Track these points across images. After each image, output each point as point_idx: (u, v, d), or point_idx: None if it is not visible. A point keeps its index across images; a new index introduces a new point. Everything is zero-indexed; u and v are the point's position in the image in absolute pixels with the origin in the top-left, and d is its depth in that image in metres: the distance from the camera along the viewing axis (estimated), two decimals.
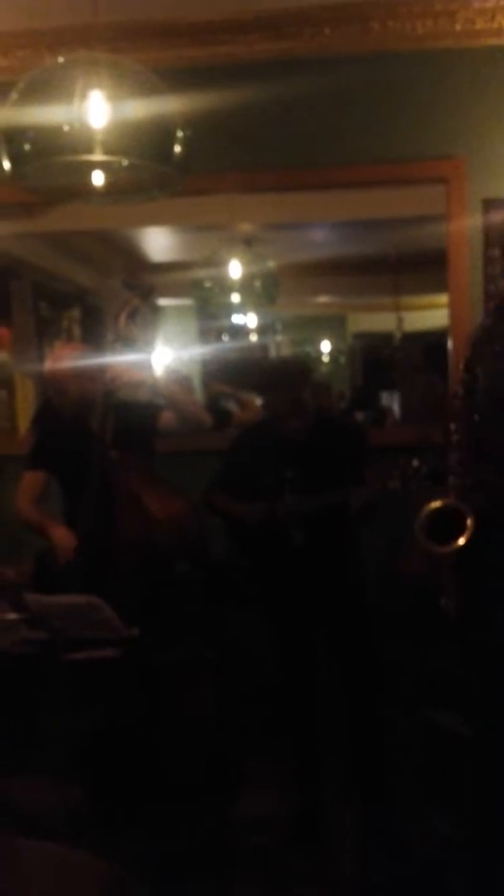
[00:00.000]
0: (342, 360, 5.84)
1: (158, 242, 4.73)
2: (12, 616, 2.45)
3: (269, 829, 2.83)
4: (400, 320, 4.80)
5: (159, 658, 2.62)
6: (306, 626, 2.86)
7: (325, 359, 5.80)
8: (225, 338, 5.16)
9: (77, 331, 4.99)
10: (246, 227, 4.32)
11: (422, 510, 2.12)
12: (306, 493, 2.75)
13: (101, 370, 2.76)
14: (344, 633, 2.83)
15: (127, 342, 2.73)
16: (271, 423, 2.92)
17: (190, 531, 2.78)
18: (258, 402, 3.97)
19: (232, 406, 4.46)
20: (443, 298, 3.36)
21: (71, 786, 2.63)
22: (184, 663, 2.73)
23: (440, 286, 3.39)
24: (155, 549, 2.68)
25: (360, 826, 2.80)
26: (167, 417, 2.85)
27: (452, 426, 2.20)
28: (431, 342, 4.07)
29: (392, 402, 5.11)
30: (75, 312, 4.96)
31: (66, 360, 2.86)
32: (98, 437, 2.74)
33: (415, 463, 2.51)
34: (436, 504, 2.14)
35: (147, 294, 2.76)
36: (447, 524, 2.12)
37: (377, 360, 5.61)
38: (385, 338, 5.13)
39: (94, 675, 2.54)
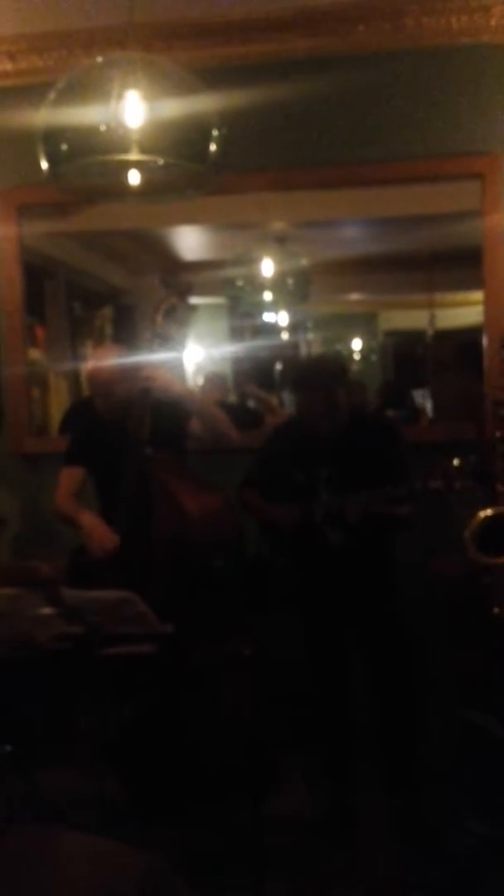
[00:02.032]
0: (373, 358, 5.80)
1: (190, 241, 4.74)
2: (49, 611, 2.47)
3: (302, 828, 2.83)
4: (433, 318, 4.77)
5: (194, 655, 2.63)
6: (340, 625, 2.86)
7: (357, 357, 5.77)
8: (255, 336, 5.16)
9: (109, 330, 5.02)
10: (278, 225, 4.32)
11: (472, 520, 2.08)
12: (342, 492, 2.74)
13: (137, 369, 2.78)
14: (378, 632, 2.82)
15: (164, 340, 2.74)
16: (304, 422, 2.91)
17: (225, 528, 2.79)
18: (286, 402, 3.98)
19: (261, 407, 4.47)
20: (477, 295, 3.33)
21: (106, 779, 2.65)
22: (218, 660, 2.73)
23: (475, 283, 3.37)
24: (190, 546, 2.69)
25: (393, 826, 2.80)
26: (195, 424, 2.86)
27: (498, 434, 2.17)
28: (465, 340, 4.04)
29: (424, 399, 5.08)
30: (108, 311, 4.99)
31: (108, 359, 2.88)
32: (134, 435, 2.76)
33: (456, 462, 2.49)
34: (487, 513, 2.10)
35: (185, 292, 2.77)
36: (497, 534, 2.08)
37: (409, 357, 5.56)
38: (417, 335, 5.09)
39: (130, 671, 2.56)
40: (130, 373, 2.81)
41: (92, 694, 2.74)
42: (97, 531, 2.76)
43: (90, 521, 2.80)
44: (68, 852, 1.58)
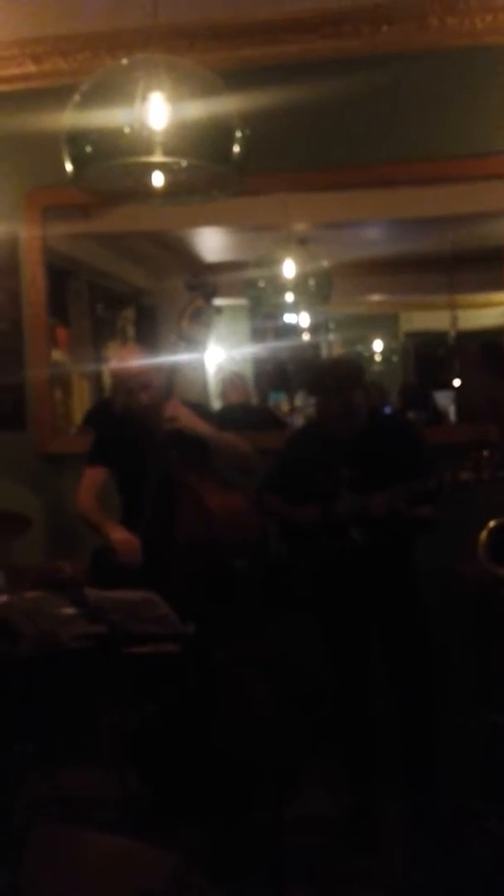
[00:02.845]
0: (394, 359, 5.79)
1: (212, 242, 4.75)
2: (72, 610, 2.49)
3: (323, 829, 2.83)
4: (455, 318, 4.75)
5: (215, 655, 2.64)
6: (362, 626, 2.85)
7: (377, 358, 5.76)
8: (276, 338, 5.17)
9: (131, 331, 5.05)
10: (299, 227, 4.33)
11: (483, 531, 2.08)
12: (363, 492, 2.74)
13: (160, 372, 2.79)
14: (400, 633, 2.82)
15: (189, 342, 2.75)
16: (323, 424, 2.91)
17: (248, 529, 2.79)
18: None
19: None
20: (500, 296, 3.32)
21: (128, 778, 2.67)
22: (239, 661, 2.74)
23: (497, 284, 3.35)
24: (213, 547, 2.69)
25: (414, 827, 2.79)
26: (215, 456, 2.88)
27: None
28: (488, 341, 4.03)
29: (446, 401, 5.06)
30: (130, 313, 5.01)
31: (131, 359, 2.90)
32: (158, 435, 2.77)
33: (485, 453, 2.49)
34: (493, 524, 2.10)
35: (211, 294, 2.78)
36: None
37: (431, 359, 5.55)
38: (439, 336, 5.07)
39: (152, 670, 2.57)
40: (151, 374, 2.82)
41: (114, 693, 2.76)
42: (126, 546, 2.76)
43: (119, 535, 2.79)
44: (93, 852, 1.59)
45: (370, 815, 2.85)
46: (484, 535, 2.14)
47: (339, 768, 2.95)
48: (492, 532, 2.13)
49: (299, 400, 4.74)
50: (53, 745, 2.80)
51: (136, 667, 2.57)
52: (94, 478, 3.00)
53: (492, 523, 2.18)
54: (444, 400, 5.21)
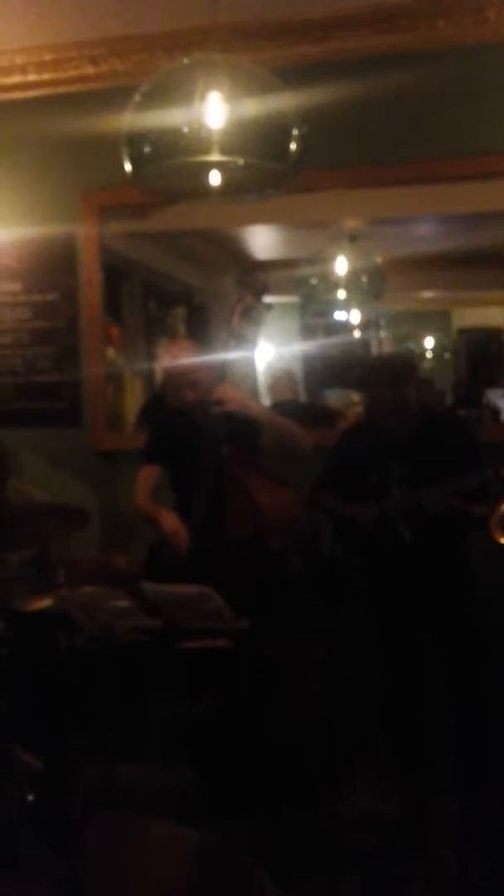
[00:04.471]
0: (446, 356, 5.74)
1: (264, 240, 4.76)
2: (128, 604, 2.53)
3: (375, 827, 2.83)
4: None
5: (269, 651, 2.65)
6: (415, 624, 2.84)
7: (429, 355, 5.71)
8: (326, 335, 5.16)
9: (182, 329, 5.09)
10: (351, 223, 4.32)
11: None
12: (415, 488, 2.73)
13: (209, 370, 2.81)
14: (454, 632, 2.80)
15: (240, 339, 2.77)
16: (375, 420, 2.91)
17: (301, 527, 2.80)
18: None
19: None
20: None
21: (181, 772, 2.69)
22: (293, 658, 2.75)
23: None
24: (265, 544, 2.71)
25: (467, 826, 2.77)
26: (267, 439, 2.88)
27: None
28: None
29: (499, 399, 5.00)
30: (181, 311, 5.05)
31: (183, 355, 2.93)
32: (210, 433, 2.79)
33: None
34: None
35: (261, 292, 2.79)
36: None
37: (483, 356, 5.48)
38: (492, 333, 5.01)
39: (205, 665, 2.59)
40: (204, 371, 2.85)
41: (168, 687, 2.79)
42: (177, 536, 2.80)
43: (171, 523, 2.84)
44: (155, 839, 1.62)
45: (422, 813, 2.84)
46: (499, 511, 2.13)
47: (392, 766, 2.94)
48: None
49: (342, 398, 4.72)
50: (109, 738, 2.85)
51: (190, 661, 2.59)
52: (148, 476, 3.04)
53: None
54: (496, 397, 5.14)
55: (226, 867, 1.53)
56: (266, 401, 4.34)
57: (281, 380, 4.54)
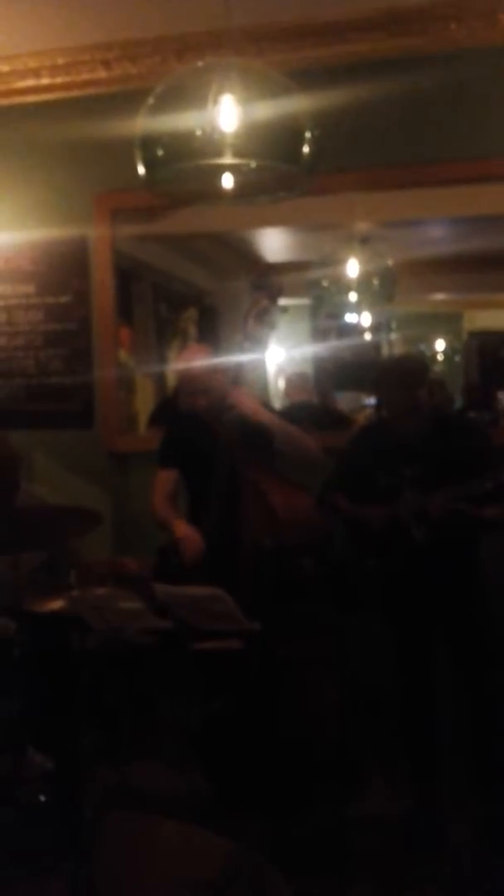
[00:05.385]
0: (457, 358, 5.74)
1: (274, 243, 4.77)
2: (140, 605, 2.53)
3: (387, 828, 2.82)
4: None
5: (282, 652, 2.65)
6: (427, 625, 2.84)
7: (440, 357, 5.72)
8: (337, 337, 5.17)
9: (193, 331, 5.10)
10: (363, 226, 4.32)
11: None
12: (426, 490, 2.73)
13: (221, 374, 2.82)
14: (466, 633, 2.80)
15: (254, 342, 2.77)
16: (386, 422, 2.90)
17: (314, 528, 2.80)
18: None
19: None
20: None
21: (193, 773, 2.70)
22: (306, 659, 2.75)
23: None
24: (279, 545, 2.71)
25: (478, 828, 2.76)
26: (277, 445, 2.89)
27: None
28: None
29: None
30: (192, 313, 5.07)
31: (197, 359, 2.93)
32: (224, 436, 2.79)
33: None
34: None
35: (276, 294, 2.80)
36: None
37: (494, 358, 5.47)
38: (503, 336, 5.01)
39: (218, 666, 2.60)
40: (217, 377, 2.86)
41: (179, 688, 2.79)
42: (189, 543, 2.81)
43: (183, 531, 2.85)
44: (166, 840, 1.63)
45: (432, 815, 2.84)
46: None
47: (404, 766, 2.94)
48: None
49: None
50: (121, 739, 2.85)
51: (202, 662, 2.60)
52: (165, 480, 3.05)
53: None
54: None
55: (238, 867, 1.53)
56: (280, 403, 4.35)
57: (295, 382, 4.55)
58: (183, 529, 2.85)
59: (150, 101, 2.25)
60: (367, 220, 4.09)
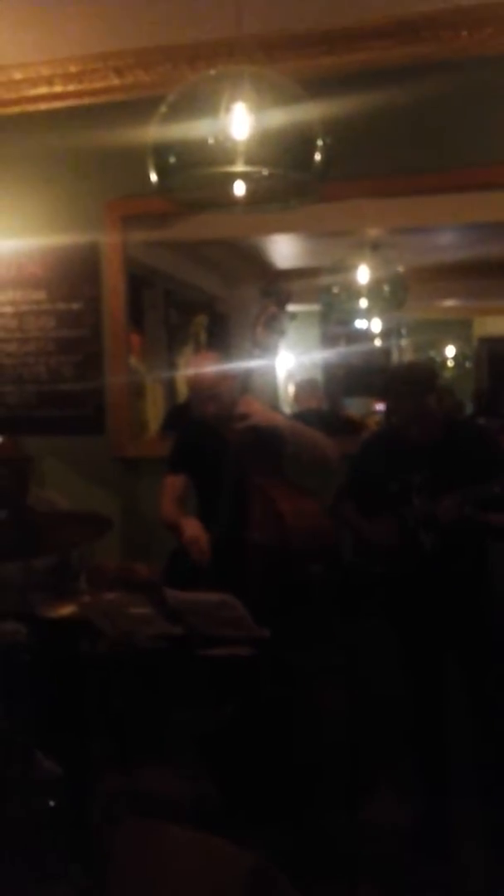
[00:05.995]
0: (467, 364, 5.72)
1: (285, 249, 4.78)
2: (150, 611, 2.54)
3: (395, 835, 2.82)
4: None
5: (291, 659, 2.65)
6: (436, 633, 2.83)
7: (450, 363, 5.71)
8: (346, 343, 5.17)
9: (203, 337, 5.11)
10: (373, 232, 4.33)
11: None
12: (435, 497, 2.72)
13: (231, 381, 2.82)
14: (475, 641, 2.79)
15: (263, 349, 2.78)
16: (396, 429, 2.91)
17: (322, 534, 2.80)
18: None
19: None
20: None
21: (201, 779, 2.70)
22: (314, 666, 2.74)
23: None
24: (287, 552, 2.71)
25: (486, 837, 2.75)
26: (291, 450, 2.88)
27: None
28: None
29: None
30: (202, 319, 5.07)
31: (208, 366, 2.94)
32: (234, 442, 2.80)
33: None
34: None
35: (285, 301, 2.80)
36: None
37: None
38: None
39: (227, 673, 2.60)
40: (226, 384, 2.86)
41: (188, 694, 2.79)
42: (197, 544, 2.81)
43: (192, 532, 2.85)
44: (176, 847, 1.62)
45: (441, 823, 2.83)
46: None
47: (413, 774, 2.93)
48: None
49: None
50: (130, 744, 2.85)
51: (212, 669, 2.60)
52: (174, 486, 3.06)
53: None
54: None
55: (247, 874, 1.53)
56: (289, 409, 4.35)
57: (305, 389, 4.55)
58: (192, 529, 2.85)
59: (163, 108, 2.26)
60: (378, 226, 4.10)
